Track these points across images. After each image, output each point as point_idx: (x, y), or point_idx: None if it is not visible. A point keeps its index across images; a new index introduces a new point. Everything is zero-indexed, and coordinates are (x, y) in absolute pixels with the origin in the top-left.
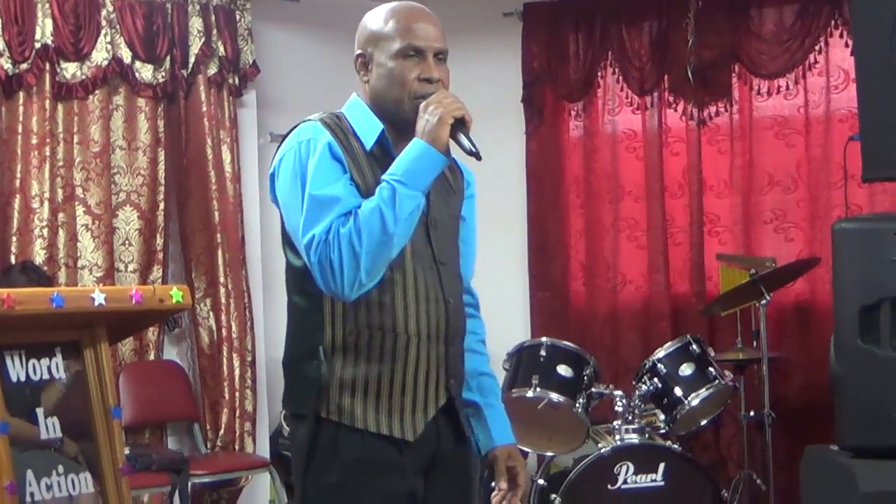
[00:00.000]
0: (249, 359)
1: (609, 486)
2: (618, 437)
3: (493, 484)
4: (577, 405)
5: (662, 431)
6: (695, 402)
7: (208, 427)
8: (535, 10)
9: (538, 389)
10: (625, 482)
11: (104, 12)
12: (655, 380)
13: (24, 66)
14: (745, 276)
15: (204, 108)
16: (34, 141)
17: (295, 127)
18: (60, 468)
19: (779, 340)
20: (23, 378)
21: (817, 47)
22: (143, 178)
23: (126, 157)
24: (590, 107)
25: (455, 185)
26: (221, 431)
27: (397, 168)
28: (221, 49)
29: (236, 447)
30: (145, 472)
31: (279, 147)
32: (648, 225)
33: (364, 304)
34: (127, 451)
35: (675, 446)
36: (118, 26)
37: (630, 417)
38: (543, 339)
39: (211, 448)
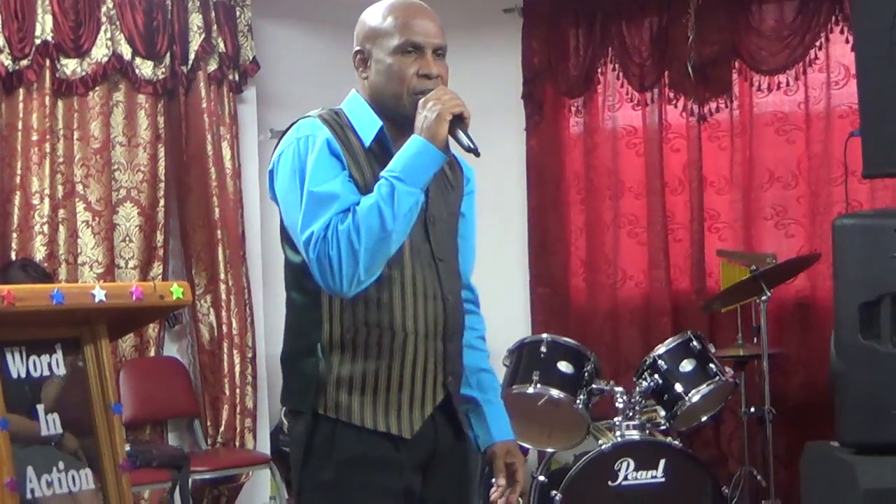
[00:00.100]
0: (250, 355)
1: (609, 483)
2: (618, 433)
3: (493, 480)
4: (578, 401)
5: (663, 428)
6: (695, 399)
7: (209, 423)
8: (535, 7)
9: (539, 386)
10: (625, 478)
11: (104, 9)
12: (656, 376)
13: (25, 62)
14: (746, 272)
15: (204, 105)
16: (34, 137)
17: (294, 123)
18: (61, 464)
19: (779, 337)
20: (23, 374)
21: (818, 43)
22: (143, 174)
23: (126, 154)
24: (590, 103)
25: (454, 182)
26: (222, 428)
27: (396, 165)
28: (221, 45)
29: (237, 443)
30: (146, 469)
31: (278, 144)
32: (649, 221)
33: (362, 301)
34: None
35: (676, 442)
36: (118, 23)
37: (630, 414)
38: (544, 335)
39: (211, 444)
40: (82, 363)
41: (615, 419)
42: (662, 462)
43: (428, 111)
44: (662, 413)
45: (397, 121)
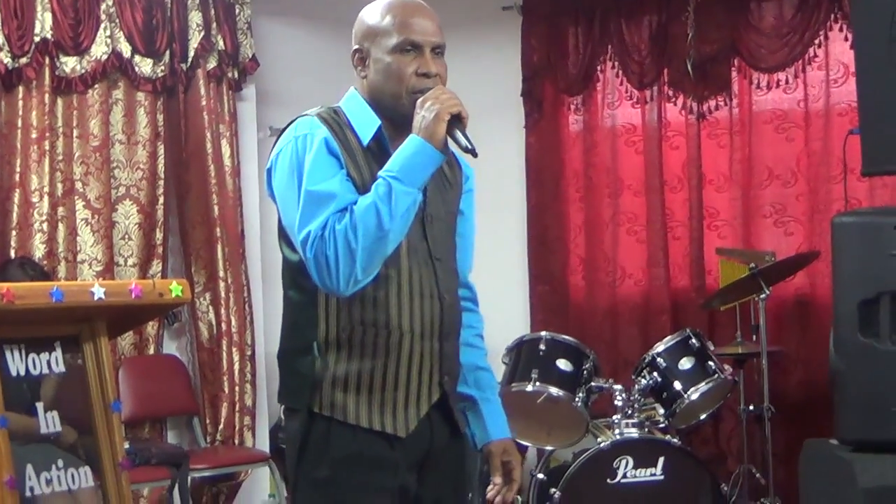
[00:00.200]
0: (249, 353)
1: (608, 481)
2: (617, 431)
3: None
4: (577, 399)
5: (662, 425)
6: (694, 397)
7: (208, 421)
8: (534, 4)
9: (538, 383)
10: (624, 476)
11: (103, 6)
12: (655, 374)
13: (24, 60)
14: (745, 270)
15: (203, 102)
16: (34, 135)
17: (292, 122)
18: (60, 462)
19: (778, 334)
20: (22, 372)
21: (817, 41)
22: (142, 172)
23: (125, 152)
24: (589, 101)
25: (453, 180)
26: (221, 425)
27: (393, 164)
28: (221, 43)
29: (236, 441)
30: (145, 467)
31: (276, 142)
32: (648, 219)
33: (358, 300)
34: (126, 446)
35: (675, 440)
36: (117, 20)
37: (629, 411)
38: (543, 333)
39: (210, 442)
40: (81, 361)
41: (614, 417)
42: (661, 460)
43: (426, 111)
44: (661, 411)
45: (396, 120)
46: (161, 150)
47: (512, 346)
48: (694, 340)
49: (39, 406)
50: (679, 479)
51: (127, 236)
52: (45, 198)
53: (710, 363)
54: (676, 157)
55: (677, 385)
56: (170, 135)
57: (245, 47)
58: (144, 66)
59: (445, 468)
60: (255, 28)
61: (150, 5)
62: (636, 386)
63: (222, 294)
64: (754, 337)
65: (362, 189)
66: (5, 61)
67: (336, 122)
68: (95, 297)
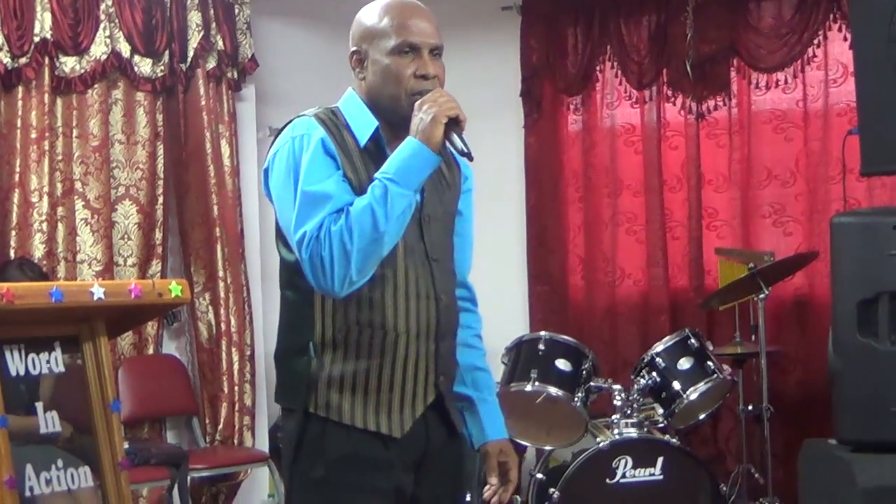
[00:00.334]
0: (248, 353)
1: (608, 480)
2: (616, 431)
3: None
4: (576, 399)
5: (661, 425)
6: (693, 396)
7: (207, 421)
8: (533, 4)
9: (537, 383)
10: (623, 476)
11: (103, 6)
12: (654, 374)
13: (23, 60)
14: (744, 270)
15: (203, 102)
16: (33, 135)
17: (289, 122)
18: (60, 462)
19: (777, 334)
20: (22, 372)
21: (816, 41)
22: (141, 172)
23: (125, 152)
24: (588, 101)
25: (451, 181)
26: (220, 425)
27: (390, 166)
28: (220, 43)
29: (235, 441)
30: (144, 467)
31: (273, 142)
32: (647, 219)
33: (354, 301)
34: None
35: (674, 440)
36: (117, 20)
37: (628, 411)
38: (542, 332)
39: (210, 442)
40: (81, 361)
41: (613, 417)
42: (660, 460)
43: (423, 113)
44: (660, 411)
45: (394, 121)
46: (160, 150)
47: (511, 346)
48: (693, 340)
49: (39, 406)
50: (678, 479)
51: (126, 236)
52: (45, 198)
53: (709, 363)
54: (675, 157)
55: (676, 385)
56: (169, 135)
57: (244, 47)
58: (144, 66)
59: (442, 469)
60: (255, 28)
61: (150, 5)
62: (635, 386)
63: (222, 294)
64: (753, 337)
65: (359, 190)
66: (5, 61)
67: (333, 122)
68: (95, 297)
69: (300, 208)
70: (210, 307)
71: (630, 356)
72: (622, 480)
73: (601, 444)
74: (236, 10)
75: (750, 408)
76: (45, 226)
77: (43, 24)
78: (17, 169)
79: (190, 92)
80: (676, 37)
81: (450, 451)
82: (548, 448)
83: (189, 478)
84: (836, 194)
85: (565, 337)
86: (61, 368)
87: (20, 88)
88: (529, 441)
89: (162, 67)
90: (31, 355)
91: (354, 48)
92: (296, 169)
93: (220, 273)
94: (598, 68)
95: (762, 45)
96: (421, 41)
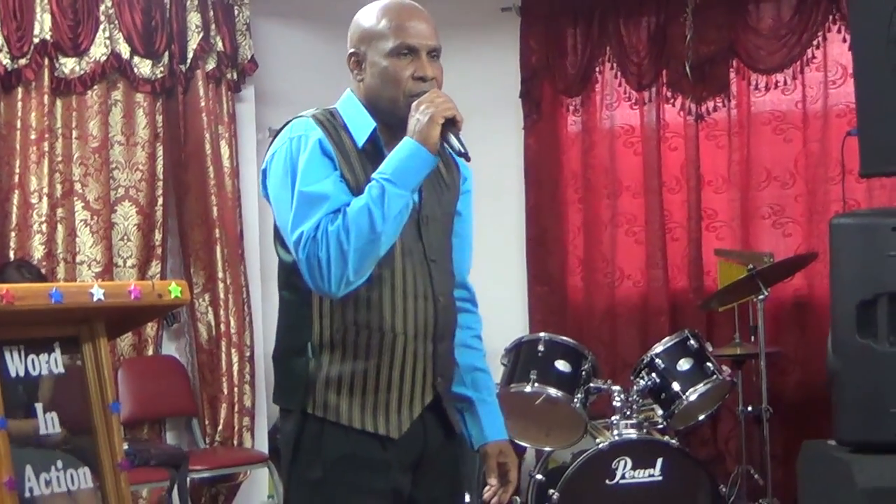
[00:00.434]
0: (248, 354)
1: (607, 482)
2: (616, 432)
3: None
4: (575, 400)
5: (660, 426)
6: (693, 397)
7: (207, 422)
8: (533, 5)
9: (536, 384)
10: (623, 477)
11: (102, 7)
12: (653, 375)
13: (23, 61)
14: (743, 271)
15: (202, 104)
16: (33, 136)
17: (287, 123)
18: (59, 463)
19: (776, 335)
20: (21, 373)
21: (815, 42)
22: (141, 173)
23: (124, 153)
24: (588, 102)
25: (450, 182)
26: (220, 426)
27: (387, 167)
28: (220, 44)
29: (235, 442)
30: (144, 468)
31: (271, 143)
32: (646, 220)
33: (352, 301)
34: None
35: (673, 441)
36: (116, 21)
37: (628, 412)
38: (541, 333)
39: (209, 443)
40: (81, 362)
41: (613, 418)
42: (660, 461)
43: (420, 114)
44: (660, 412)
45: (392, 122)
46: (160, 152)
47: (511, 346)
48: (692, 341)
49: (38, 407)
50: (677, 480)
51: (126, 237)
52: (45, 199)
53: (709, 364)
54: (675, 158)
55: (676, 386)
56: (169, 136)
57: (244, 48)
58: (143, 67)
59: (440, 470)
60: (254, 29)
61: (149, 6)
62: (634, 387)
63: (221, 295)
64: (752, 338)
65: (356, 191)
66: (4, 62)
67: (331, 123)
68: (94, 299)
69: (297, 209)
70: (209, 308)
71: (629, 357)
72: (622, 481)
73: (601, 445)
74: (236, 12)
75: (749, 409)
76: (44, 227)
77: (42, 25)
78: (17, 170)
79: (189, 93)
80: (676, 38)
81: (447, 452)
82: (547, 449)
83: (189, 479)
84: (836, 195)
85: (565, 338)
86: (61, 369)
87: (20, 89)
88: (529, 442)
89: (161, 68)
90: (31, 356)
91: (352, 50)
92: (293, 169)
93: (220, 274)
94: (597, 69)
95: (761, 46)
96: (419, 43)
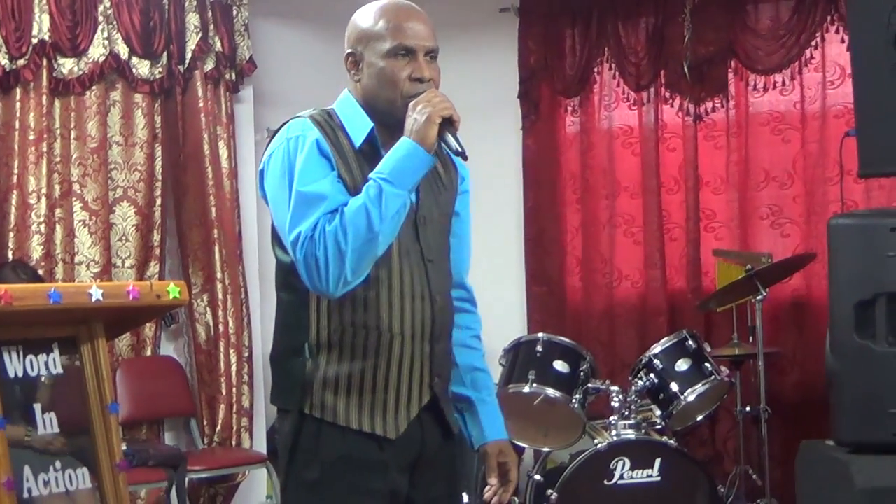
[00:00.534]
0: (246, 354)
1: (605, 482)
2: (614, 432)
3: None
4: (574, 400)
5: (658, 427)
6: (691, 398)
7: (205, 422)
8: (531, 6)
9: (534, 385)
10: (621, 478)
11: (101, 8)
12: (651, 375)
13: (21, 61)
14: (742, 271)
15: (201, 104)
16: (31, 137)
17: (285, 123)
18: (58, 464)
19: (775, 336)
20: (20, 374)
21: (813, 43)
22: (140, 173)
23: (123, 153)
24: (586, 102)
25: (448, 182)
26: (218, 427)
27: (384, 167)
28: (218, 45)
29: (233, 443)
30: (142, 468)
31: (269, 143)
32: (645, 220)
33: (349, 302)
34: (124, 447)
35: (671, 442)
36: (115, 22)
37: (626, 413)
38: (540, 334)
39: (208, 443)
40: (79, 362)
41: (611, 418)
42: (658, 461)
43: (418, 114)
44: (658, 412)
45: (390, 123)
46: (158, 152)
47: (509, 347)
48: (690, 342)
49: (37, 407)
50: (676, 481)
51: (124, 238)
52: (43, 199)
53: (707, 364)
54: (673, 158)
55: (674, 386)
56: (167, 136)
57: (242, 49)
58: (142, 67)
59: (438, 470)
60: (253, 30)
61: (148, 7)
62: (633, 387)
63: (220, 295)
64: (751, 338)
65: (353, 191)
66: (3, 63)
67: (329, 123)
68: (93, 299)
69: (295, 209)
70: (208, 309)
71: (628, 357)
72: (620, 482)
73: (599, 446)
74: (234, 12)
75: (748, 409)
76: (43, 227)
77: (41, 26)
78: (16, 170)
79: (188, 93)
80: (674, 38)
81: (445, 453)
82: (545, 449)
83: (187, 479)
84: (834, 196)
85: (563, 338)
86: (59, 370)
87: (18, 90)
88: (527, 442)
89: (160, 69)
90: (30, 357)
91: (350, 50)
92: (290, 170)
93: (218, 274)
94: (595, 70)
95: (760, 46)
96: (416, 44)
